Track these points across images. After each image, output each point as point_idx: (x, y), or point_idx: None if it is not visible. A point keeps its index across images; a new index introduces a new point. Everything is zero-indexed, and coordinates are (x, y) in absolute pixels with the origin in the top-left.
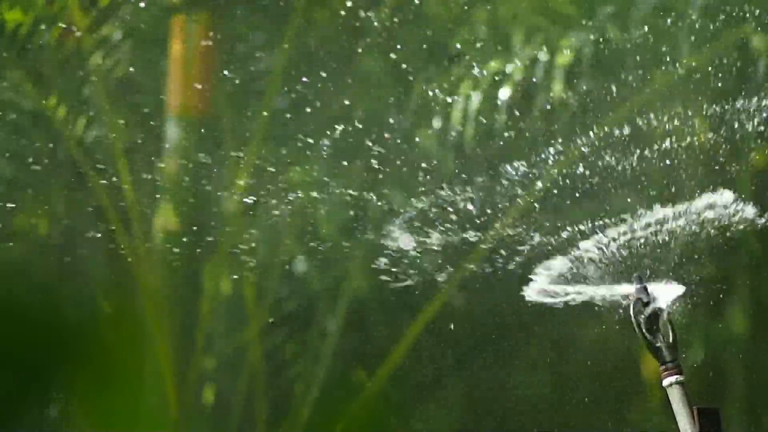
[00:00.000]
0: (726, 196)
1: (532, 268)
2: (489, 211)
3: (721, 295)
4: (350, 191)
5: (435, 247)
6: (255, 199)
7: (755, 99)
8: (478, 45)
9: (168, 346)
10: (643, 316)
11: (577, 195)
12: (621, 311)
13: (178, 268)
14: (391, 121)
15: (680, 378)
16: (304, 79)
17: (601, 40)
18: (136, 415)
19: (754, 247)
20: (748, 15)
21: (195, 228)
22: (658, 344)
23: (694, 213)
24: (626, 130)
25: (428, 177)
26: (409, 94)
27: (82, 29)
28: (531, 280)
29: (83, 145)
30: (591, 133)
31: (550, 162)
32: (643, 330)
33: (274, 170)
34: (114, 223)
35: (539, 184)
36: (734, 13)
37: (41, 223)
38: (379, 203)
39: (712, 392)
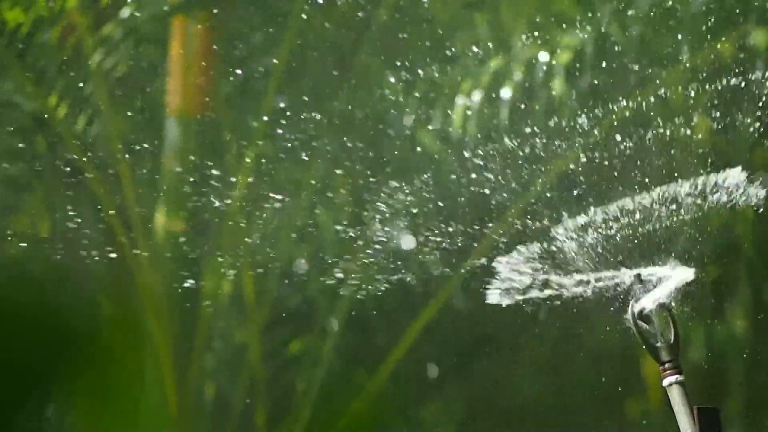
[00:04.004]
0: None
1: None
2: (489, 210)
3: (721, 295)
4: (350, 191)
5: (436, 247)
6: (255, 198)
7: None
8: (478, 45)
9: (168, 346)
10: (641, 314)
11: (578, 193)
12: (619, 307)
13: (178, 268)
14: (392, 120)
15: (680, 378)
16: (304, 78)
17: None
18: (135, 416)
19: (755, 246)
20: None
21: (195, 228)
22: (658, 344)
23: (694, 212)
24: (625, 130)
25: (429, 176)
26: (410, 94)
27: (83, 29)
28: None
29: (83, 145)
30: (591, 132)
31: (550, 161)
32: (641, 330)
33: (274, 170)
34: (114, 223)
35: (540, 182)
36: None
37: (41, 223)
38: (380, 203)
39: (712, 392)
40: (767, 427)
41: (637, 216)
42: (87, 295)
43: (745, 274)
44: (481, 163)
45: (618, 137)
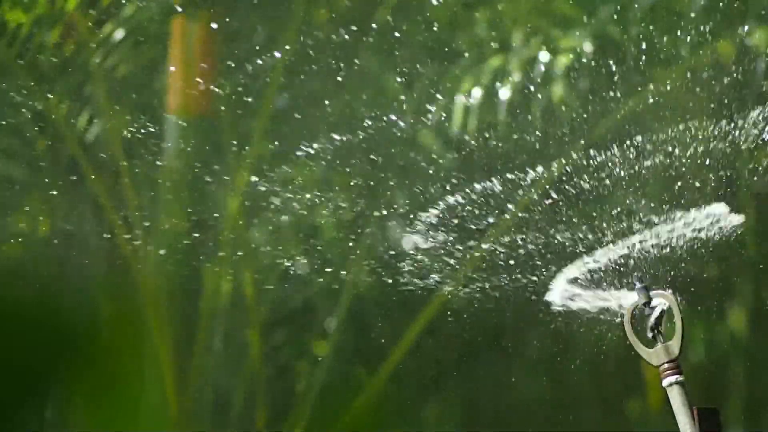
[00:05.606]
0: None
1: (533, 268)
2: (490, 211)
3: (721, 295)
4: (351, 191)
5: (436, 246)
6: (255, 198)
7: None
8: (479, 45)
9: (168, 346)
10: (634, 314)
11: (578, 198)
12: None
13: (178, 268)
14: (392, 120)
15: (680, 378)
16: (304, 78)
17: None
18: (135, 415)
19: (755, 246)
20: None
21: (195, 228)
22: (656, 347)
23: (695, 215)
24: (625, 132)
25: (429, 176)
26: (410, 94)
27: (83, 29)
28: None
29: (84, 145)
30: (591, 134)
31: (550, 163)
32: (636, 334)
33: (274, 170)
34: (114, 223)
35: (539, 186)
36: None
37: (41, 223)
38: (380, 203)
39: (712, 392)
40: (767, 427)
41: (636, 217)
42: (87, 295)
43: (746, 274)
44: (482, 161)
45: (617, 138)
